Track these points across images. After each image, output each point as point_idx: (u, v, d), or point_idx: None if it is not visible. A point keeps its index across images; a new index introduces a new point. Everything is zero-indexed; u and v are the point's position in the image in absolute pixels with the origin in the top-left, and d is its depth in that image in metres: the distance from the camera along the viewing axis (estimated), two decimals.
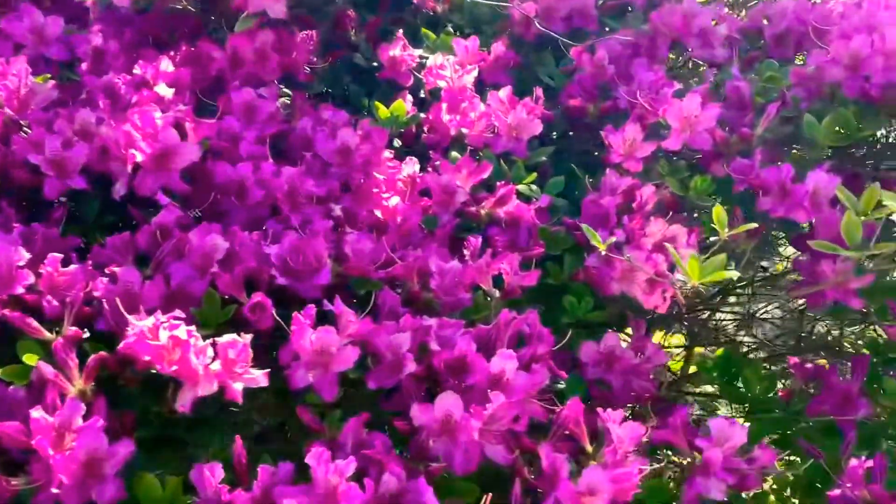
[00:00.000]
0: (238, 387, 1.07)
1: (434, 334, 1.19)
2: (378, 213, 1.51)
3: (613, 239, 1.33)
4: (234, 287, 1.20)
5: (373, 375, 1.17)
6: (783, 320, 2.68)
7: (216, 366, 1.06)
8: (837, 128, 1.50)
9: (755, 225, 1.29)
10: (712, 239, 1.34)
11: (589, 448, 1.21)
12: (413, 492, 1.05)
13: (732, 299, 2.53)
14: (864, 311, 1.66)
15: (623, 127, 1.57)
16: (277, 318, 1.17)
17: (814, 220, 1.47)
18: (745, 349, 2.55)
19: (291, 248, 1.26)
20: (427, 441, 1.10)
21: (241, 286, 1.21)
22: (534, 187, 1.59)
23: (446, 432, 1.11)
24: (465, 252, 1.36)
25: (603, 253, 1.33)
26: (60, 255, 1.19)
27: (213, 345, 1.07)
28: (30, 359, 1.10)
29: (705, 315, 2.58)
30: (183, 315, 1.09)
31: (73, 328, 1.12)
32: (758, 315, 2.71)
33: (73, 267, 1.20)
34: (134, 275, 1.18)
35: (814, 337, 2.42)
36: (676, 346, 2.60)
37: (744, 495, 1.54)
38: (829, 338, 2.31)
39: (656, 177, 1.59)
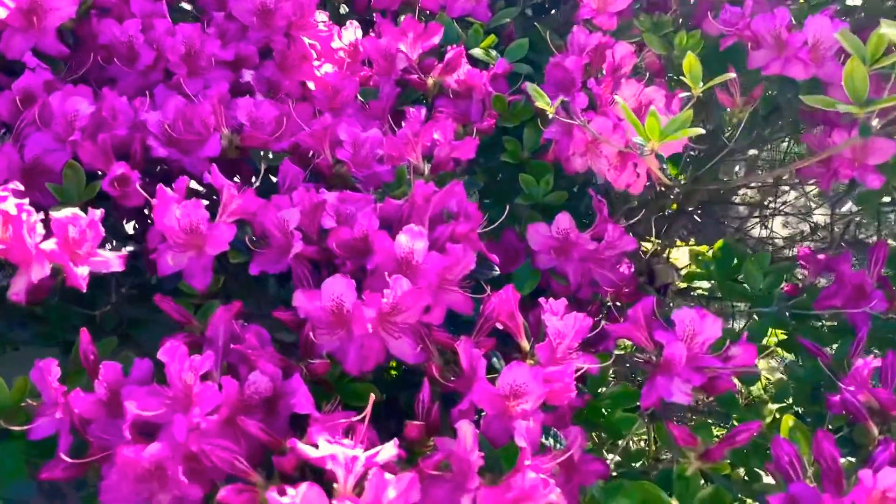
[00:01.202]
0: (82, 271, 0.89)
1: (333, 210, 1.00)
2: (310, 85, 1.31)
3: (562, 100, 1.11)
4: (101, 158, 1.02)
5: (257, 259, 0.98)
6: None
7: (49, 245, 0.88)
8: None
9: (732, 75, 1.05)
10: (682, 95, 1.12)
11: (525, 345, 1.01)
12: (289, 393, 0.87)
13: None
14: None
15: None
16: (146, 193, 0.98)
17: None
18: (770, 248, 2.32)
19: (176, 115, 1.07)
20: (312, 334, 0.92)
21: (110, 158, 1.02)
22: (492, 52, 1.37)
23: (337, 324, 0.92)
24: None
25: (551, 118, 1.11)
26: None
27: (46, 220, 0.89)
28: None
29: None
30: (20, 187, 0.91)
31: None
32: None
33: None
34: None
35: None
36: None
37: (740, 402, 1.36)
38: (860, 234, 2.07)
39: (637, 35, 1.36)
